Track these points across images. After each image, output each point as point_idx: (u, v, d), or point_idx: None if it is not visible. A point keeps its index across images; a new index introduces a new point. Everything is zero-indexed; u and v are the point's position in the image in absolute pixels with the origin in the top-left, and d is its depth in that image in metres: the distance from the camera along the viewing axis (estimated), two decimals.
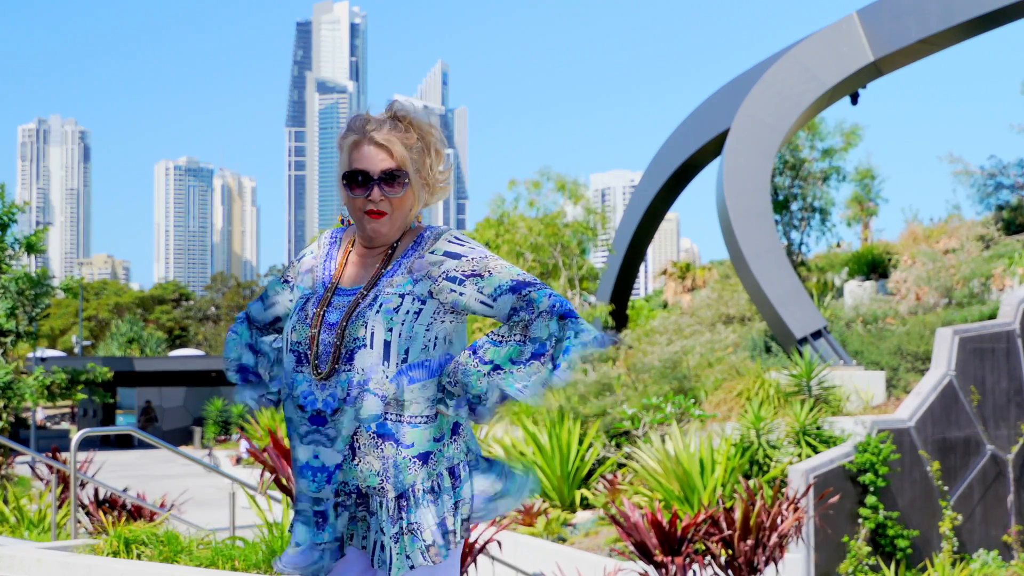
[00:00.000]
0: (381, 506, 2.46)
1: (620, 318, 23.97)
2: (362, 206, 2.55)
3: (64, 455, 9.89)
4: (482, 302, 2.47)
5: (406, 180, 2.55)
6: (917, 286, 18.45)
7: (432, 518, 2.46)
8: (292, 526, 2.61)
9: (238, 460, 29.44)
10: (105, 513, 8.63)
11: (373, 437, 2.45)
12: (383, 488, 2.45)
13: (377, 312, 2.47)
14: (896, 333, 16.11)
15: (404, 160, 2.55)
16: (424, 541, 2.44)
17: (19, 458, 18.30)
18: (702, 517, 7.59)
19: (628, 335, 21.38)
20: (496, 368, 2.43)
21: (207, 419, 41.07)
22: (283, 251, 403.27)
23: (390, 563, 2.43)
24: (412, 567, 2.43)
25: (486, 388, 2.43)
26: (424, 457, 2.48)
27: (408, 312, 2.47)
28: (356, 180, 2.54)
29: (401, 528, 2.44)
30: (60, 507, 9.11)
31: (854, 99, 19.21)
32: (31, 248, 16.91)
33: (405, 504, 2.45)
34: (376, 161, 2.54)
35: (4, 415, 16.73)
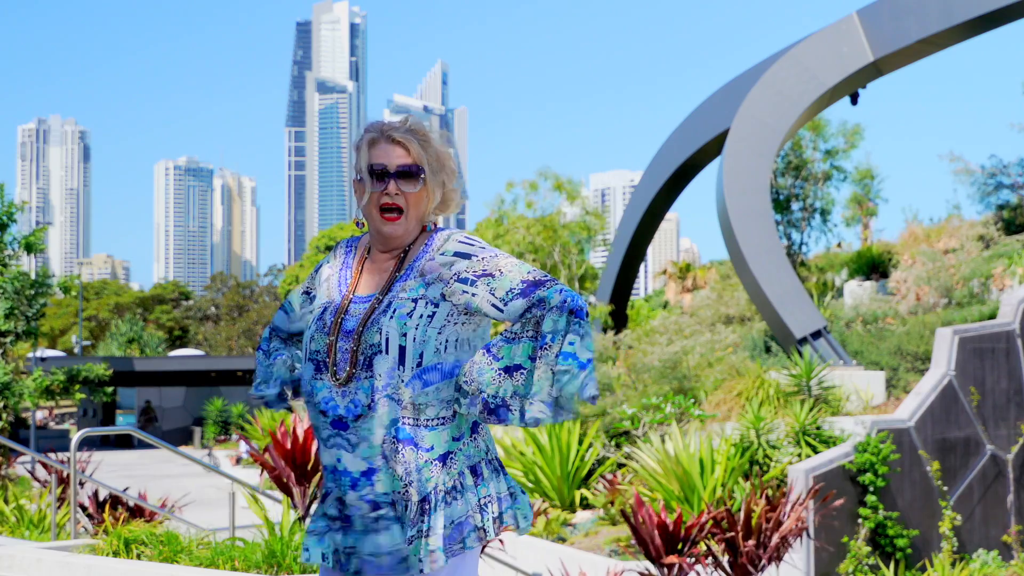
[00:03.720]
0: (406, 510, 2.48)
1: (620, 318, 23.98)
2: (377, 201, 2.57)
3: (64, 455, 9.88)
4: (493, 304, 2.48)
5: (422, 176, 2.58)
6: (917, 286, 18.45)
7: (450, 519, 2.47)
8: (313, 524, 2.61)
9: (238, 460, 29.46)
10: (105, 513, 8.62)
11: (393, 442, 2.46)
12: (407, 492, 2.47)
13: (391, 318, 2.48)
14: (896, 333, 16.12)
15: (420, 158, 2.58)
16: (428, 546, 2.45)
17: (19, 458, 18.29)
18: (706, 518, 7.58)
19: (628, 335, 21.39)
20: (516, 368, 2.44)
21: (207, 419, 41.08)
22: (283, 251, 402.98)
23: (411, 566, 2.47)
24: (422, 571, 2.44)
25: (509, 392, 2.44)
26: (444, 458, 2.49)
27: (421, 316, 2.48)
28: (373, 174, 2.57)
29: (420, 531, 2.45)
30: (60, 507, 9.11)
31: (854, 99, 19.21)
32: (30, 248, 16.90)
33: (427, 507, 2.46)
34: (393, 156, 2.58)
35: (3, 415, 16.72)
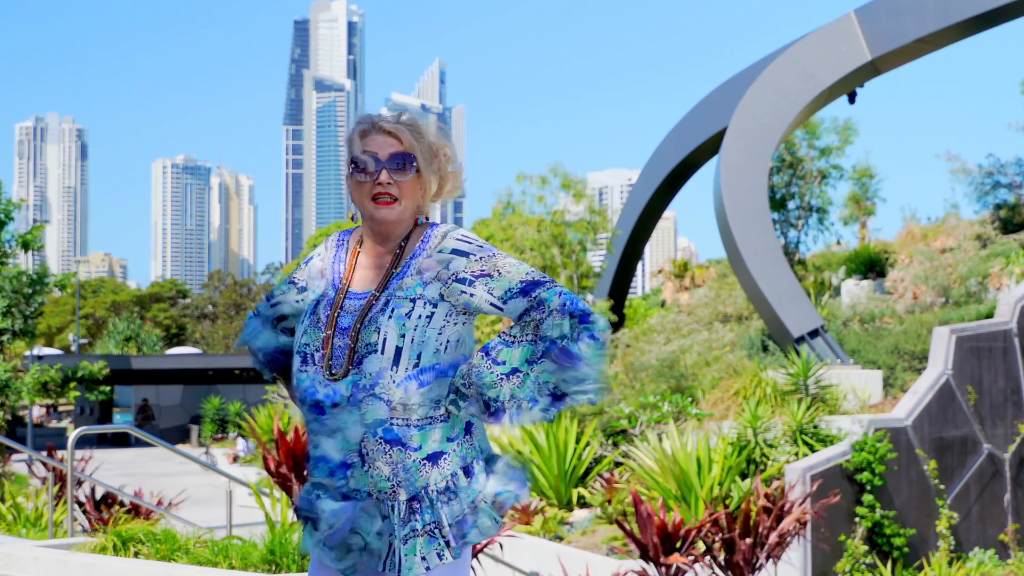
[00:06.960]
0: (393, 509, 2.44)
1: (617, 316, 23.97)
2: (370, 191, 2.54)
3: (61, 453, 9.88)
4: (492, 304, 2.46)
5: (414, 164, 2.55)
6: (914, 285, 18.46)
7: (447, 518, 2.45)
8: (305, 515, 2.57)
9: (235, 458, 29.45)
10: (102, 511, 8.62)
11: (380, 442, 2.43)
12: (394, 491, 2.44)
13: (390, 318, 2.45)
14: (893, 332, 16.12)
15: (413, 147, 2.56)
16: (442, 540, 2.43)
17: (16, 456, 18.27)
18: (705, 520, 7.58)
19: (625, 334, 21.39)
20: (514, 371, 2.41)
21: (204, 417, 41.05)
22: (280, 249, 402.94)
23: (399, 565, 2.42)
24: (428, 568, 2.42)
25: (507, 395, 2.42)
26: (434, 458, 2.46)
27: (420, 317, 2.45)
28: (364, 164, 2.54)
29: (415, 530, 2.43)
30: (57, 505, 9.10)
31: (852, 98, 19.21)
32: (27, 245, 16.89)
33: (418, 506, 2.44)
34: (385, 145, 2.55)
35: (1, 413, 16.72)
